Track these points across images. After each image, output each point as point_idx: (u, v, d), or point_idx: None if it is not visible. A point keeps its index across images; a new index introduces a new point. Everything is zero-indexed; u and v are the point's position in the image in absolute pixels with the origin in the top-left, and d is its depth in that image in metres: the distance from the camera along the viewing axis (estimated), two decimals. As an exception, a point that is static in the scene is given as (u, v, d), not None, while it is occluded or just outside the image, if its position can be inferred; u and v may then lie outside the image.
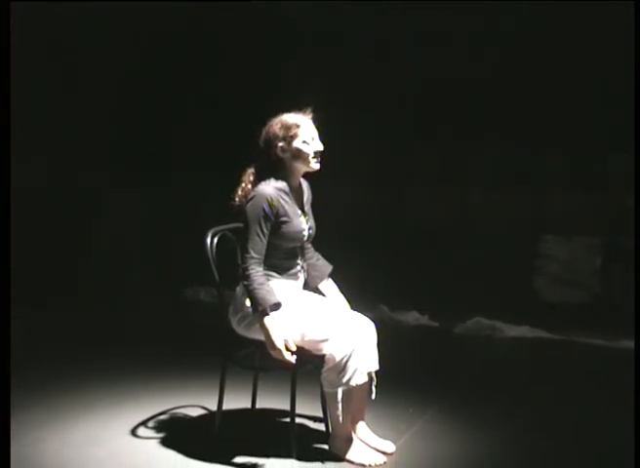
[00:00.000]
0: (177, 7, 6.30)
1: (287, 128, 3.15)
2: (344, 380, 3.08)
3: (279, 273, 3.20)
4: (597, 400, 4.04)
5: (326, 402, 3.24)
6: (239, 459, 3.17)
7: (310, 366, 3.18)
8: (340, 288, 3.45)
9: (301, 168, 3.20)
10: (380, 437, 3.34)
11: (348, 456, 3.18)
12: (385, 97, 5.99)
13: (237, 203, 3.20)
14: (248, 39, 6.35)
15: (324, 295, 3.39)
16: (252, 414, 3.65)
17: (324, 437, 3.29)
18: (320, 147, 3.18)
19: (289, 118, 3.18)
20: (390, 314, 5.56)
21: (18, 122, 5.69)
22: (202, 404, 3.77)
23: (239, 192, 3.21)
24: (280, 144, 3.15)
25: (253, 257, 3.08)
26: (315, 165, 3.18)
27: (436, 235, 5.93)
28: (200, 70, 6.44)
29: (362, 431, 3.32)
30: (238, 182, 3.23)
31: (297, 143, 3.15)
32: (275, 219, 3.11)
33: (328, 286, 3.43)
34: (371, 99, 6.01)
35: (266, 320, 3.03)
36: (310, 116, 3.22)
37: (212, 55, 6.42)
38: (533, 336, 5.25)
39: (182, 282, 6.13)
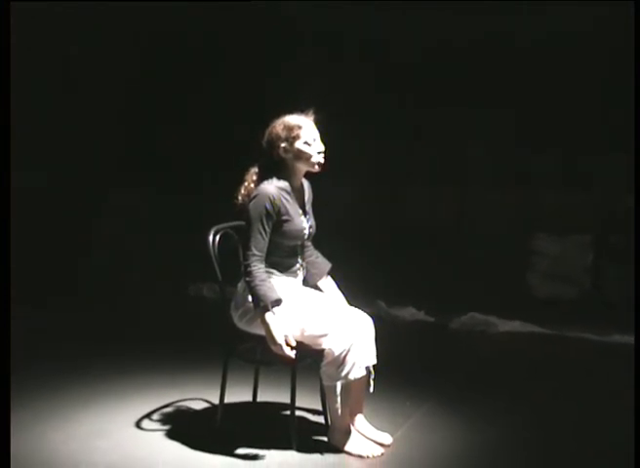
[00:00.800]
0: (177, 7, 6.26)
1: (289, 129, 3.14)
2: (343, 374, 3.07)
3: (280, 270, 3.19)
4: (589, 393, 4.04)
5: (325, 395, 3.23)
6: (241, 451, 3.17)
7: (310, 360, 3.17)
8: (338, 285, 3.44)
9: (303, 168, 3.20)
10: (378, 429, 3.33)
11: (347, 448, 3.17)
12: (384, 97, 5.97)
13: (240, 201, 3.20)
14: (248, 39, 6.32)
15: (323, 292, 3.38)
16: (253, 407, 3.64)
17: (323, 429, 3.29)
18: (321, 147, 3.18)
19: (291, 119, 3.17)
20: (388, 310, 5.56)
21: (19, 122, 5.70)
22: (204, 397, 3.77)
23: (242, 191, 3.21)
24: (282, 145, 3.14)
25: (255, 255, 3.07)
26: (317, 166, 3.17)
27: (433, 233, 5.93)
28: (200, 70, 6.41)
29: (360, 423, 3.31)
30: (241, 181, 3.22)
31: (298, 144, 3.14)
32: (277, 218, 3.10)
33: (327, 283, 3.43)
34: (370, 100, 5.99)
35: (267, 315, 3.01)
36: (312, 117, 3.21)
37: (212, 55, 6.40)
38: (526, 331, 5.24)
39: (186, 279, 6.11)
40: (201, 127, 6.41)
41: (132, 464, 3.08)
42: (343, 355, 3.06)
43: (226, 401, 3.36)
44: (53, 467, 3.05)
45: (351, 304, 3.34)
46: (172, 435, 3.35)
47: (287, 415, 3.30)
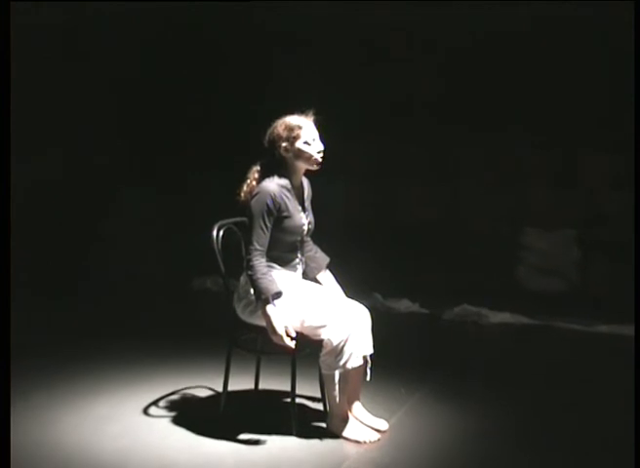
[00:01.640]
0: (187, 7, 6.21)
1: (290, 129, 3.15)
2: (341, 363, 3.08)
3: (280, 265, 3.20)
4: (576, 380, 4.04)
5: (324, 383, 3.24)
6: (243, 436, 3.18)
7: (309, 350, 3.17)
8: (337, 278, 3.44)
9: (303, 166, 3.21)
10: (375, 416, 3.34)
11: (345, 434, 3.18)
12: (383, 98, 5.95)
13: (242, 198, 3.20)
14: (250, 40, 6.30)
15: (322, 285, 3.38)
16: (255, 395, 3.65)
17: (322, 416, 3.29)
18: (321, 147, 3.18)
19: (292, 120, 3.18)
20: (384, 302, 5.56)
21: (36, 117, 5.69)
22: (209, 385, 3.77)
23: (244, 188, 3.21)
24: (283, 144, 3.14)
25: (257, 249, 3.07)
26: (315, 165, 3.18)
27: (427, 229, 5.92)
28: (206, 71, 6.37)
29: (357, 410, 3.32)
30: (243, 179, 3.23)
31: (299, 144, 3.14)
32: (277, 214, 3.11)
33: (325, 276, 3.43)
34: (369, 100, 5.97)
35: (269, 307, 3.02)
36: (312, 118, 3.21)
37: (217, 55, 6.35)
38: (515, 322, 5.25)
39: (190, 272, 6.11)
40: (207, 127, 6.38)
41: (140, 449, 3.08)
42: (341, 345, 3.06)
43: (229, 389, 3.37)
44: (65, 451, 3.05)
45: (349, 297, 3.34)
46: (178, 421, 3.35)
47: (287, 403, 3.30)
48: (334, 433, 3.19)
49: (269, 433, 3.18)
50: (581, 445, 3.20)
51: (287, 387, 3.26)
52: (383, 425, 3.29)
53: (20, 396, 3.57)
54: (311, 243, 3.41)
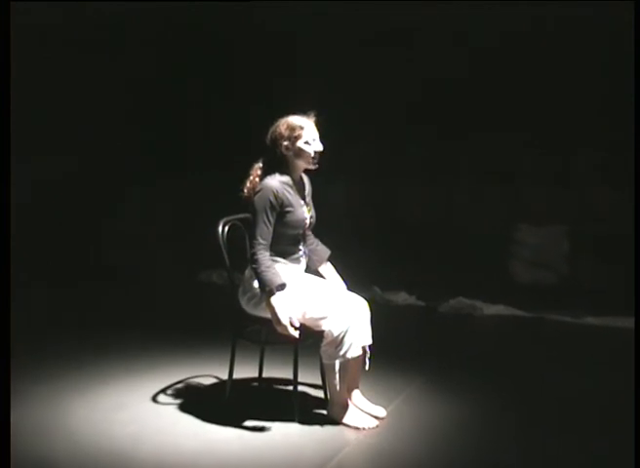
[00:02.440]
0: (187, 7, 6.15)
1: (292, 129, 3.14)
2: (341, 353, 3.08)
3: (284, 257, 3.19)
4: (567, 369, 4.04)
5: (325, 372, 3.24)
6: (247, 423, 3.18)
7: (311, 340, 3.17)
8: (337, 271, 3.44)
9: (302, 165, 3.21)
10: (373, 403, 3.34)
11: (345, 420, 3.18)
12: (381, 99, 5.93)
13: (246, 194, 3.20)
14: (248, 40, 6.26)
15: (323, 278, 3.38)
16: (259, 383, 3.65)
17: (323, 403, 3.30)
18: (320, 148, 3.18)
19: (294, 120, 3.17)
20: (382, 294, 5.55)
21: (47, 118, 5.67)
22: (214, 374, 3.77)
23: (247, 184, 3.21)
24: (285, 143, 3.14)
25: (260, 243, 3.07)
26: (313, 164, 3.18)
27: (424, 225, 5.91)
28: (214, 72, 6.35)
29: (357, 398, 3.32)
30: (246, 176, 3.22)
31: (299, 143, 3.14)
32: (280, 209, 3.11)
33: (327, 269, 3.43)
34: (368, 102, 5.95)
35: (273, 299, 3.02)
36: (313, 119, 3.20)
37: (224, 56, 6.33)
38: (508, 314, 5.24)
39: (197, 266, 6.11)
40: (213, 127, 6.37)
41: (149, 435, 3.08)
42: (342, 336, 3.06)
43: (234, 377, 3.37)
44: (77, 437, 3.06)
45: (349, 289, 3.34)
46: (185, 408, 3.36)
47: (290, 391, 3.29)
48: (334, 420, 3.19)
49: (273, 419, 3.19)
50: (573, 431, 3.20)
51: (289, 376, 3.26)
52: (382, 412, 3.29)
53: (32, 386, 3.59)
54: (313, 236, 3.41)
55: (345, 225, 5.84)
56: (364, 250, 5.59)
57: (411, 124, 5.87)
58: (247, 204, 3.17)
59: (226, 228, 3.30)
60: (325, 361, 3.15)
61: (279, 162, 3.17)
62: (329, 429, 3.14)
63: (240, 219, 3.37)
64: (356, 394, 3.32)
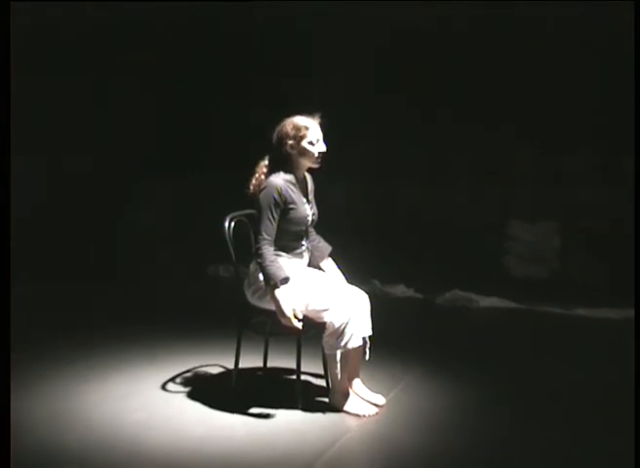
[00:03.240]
0: (187, 7, 6.08)
1: (297, 129, 3.13)
2: (342, 344, 3.08)
3: (287, 253, 3.19)
4: (558, 358, 4.04)
5: (326, 362, 3.24)
6: (253, 410, 3.18)
7: (313, 331, 3.16)
8: (338, 266, 3.43)
9: (306, 164, 3.20)
10: (373, 392, 3.33)
11: (346, 408, 3.18)
12: (382, 99, 5.90)
13: (251, 191, 3.19)
14: (249, 40, 6.22)
15: (325, 272, 3.37)
16: (263, 373, 3.64)
17: (325, 392, 3.29)
18: (323, 148, 3.17)
19: (299, 120, 3.16)
20: (381, 287, 5.54)
21: (51, 119, 5.63)
22: (221, 363, 3.77)
23: (253, 182, 3.20)
24: (290, 143, 3.13)
25: (265, 239, 3.06)
26: (317, 164, 3.18)
27: (421, 221, 5.90)
28: (223, 72, 6.31)
29: (357, 387, 3.31)
30: (252, 173, 3.22)
31: (304, 143, 3.13)
32: (284, 206, 3.10)
33: (328, 264, 3.42)
34: (369, 102, 5.93)
35: (277, 292, 3.01)
36: (318, 120, 3.20)
37: (232, 58, 6.29)
38: (502, 306, 5.24)
39: (205, 260, 6.10)
40: (220, 128, 6.35)
41: (158, 421, 3.09)
42: (343, 327, 3.06)
43: (240, 367, 3.37)
44: (89, 424, 3.06)
45: (349, 283, 3.33)
46: (193, 396, 3.36)
47: (293, 380, 3.30)
48: (336, 407, 3.19)
49: (277, 407, 3.19)
50: (567, 418, 3.19)
51: (293, 366, 3.26)
52: (381, 400, 3.29)
53: (45, 374, 3.60)
54: (315, 233, 3.40)
55: (346, 222, 5.83)
56: (364, 245, 5.58)
57: (410, 124, 5.84)
58: (252, 200, 3.16)
59: (232, 224, 3.29)
60: (327, 351, 3.15)
61: (284, 160, 3.16)
62: (330, 416, 3.14)
63: (246, 215, 3.36)
64: (357, 383, 3.32)
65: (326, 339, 3.11)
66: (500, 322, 4.94)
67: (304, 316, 3.10)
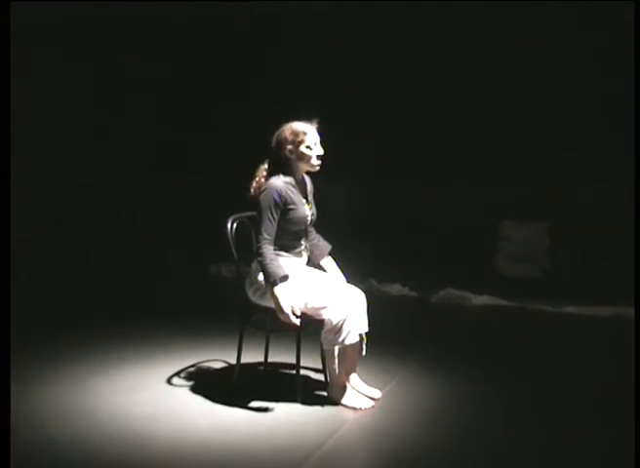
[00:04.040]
0: (187, 7, 6.03)
1: (295, 134, 3.15)
2: (340, 340, 3.09)
3: (287, 252, 3.20)
4: (547, 354, 4.06)
5: (325, 357, 3.25)
6: (254, 403, 3.19)
7: (312, 328, 3.17)
8: (337, 264, 3.44)
9: (304, 167, 3.21)
10: (369, 386, 3.35)
11: (343, 401, 3.20)
12: (382, 100, 5.91)
13: (252, 193, 3.20)
14: (249, 41, 6.20)
15: (324, 270, 3.39)
16: (264, 367, 3.66)
17: (323, 386, 3.31)
18: (321, 152, 3.19)
19: (298, 126, 3.18)
20: (378, 286, 5.55)
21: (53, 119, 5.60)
22: (224, 359, 3.78)
23: (254, 184, 3.22)
24: (289, 147, 3.15)
25: (265, 238, 3.08)
26: (316, 167, 3.19)
27: (416, 221, 5.91)
28: (211, 75, 6.29)
29: (354, 381, 3.33)
30: (252, 176, 3.23)
31: (302, 148, 3.15)
32: (284, 207, 3.11)
33: (327, 262, 3.43)
34: (369, 103, 5.93)
35: (276, 289, 3.03)
36: (315, 125, 3.21)
37: (234, 61, 6.29)
38: (494, 304, 5.24)
39: (207, 260, 6.11)
40: (220, 128, 6.34)
41: (163, 414, 3.10)
42: (340, 324, 3.07)
43: (242, 362, 3.38)
44: (98, 416, 3.07)
45: (347, 281, 3.35)
46: (196, 390, 3.37)
47: (293, 374, 3.30)
48: (333, 400, 3.20)
49: (277, 400, 3.20)
50: (559, 412, 3.21)
51: (293, 361, 3.26)
52: (377, 394, 3.31)
53: (54, 369, 3.61)
54: (314, 232, 3.41)
55: (344, 223, 5.83)
56: (362, 245, 5.59)
57: (410, 124, 5.84)
58: (253, 202, 3.17)
59: (235, 225, 3.31)
60: (325, 347, 3.16)
61: (283, 164, 3.18)
62: (329, 409, 3.16)
63: (247, 217, 3.38)
64: (354, 377, 3.33)
65: (324, 336, 3.13)
66: (493, 319, 4.94)
67: (303, 313, 3.11)
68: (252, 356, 3.64)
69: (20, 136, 4.31)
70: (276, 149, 3.18)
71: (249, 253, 3.26)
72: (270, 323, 3.26)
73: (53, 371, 3.57)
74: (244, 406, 3.17)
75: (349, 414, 3.13)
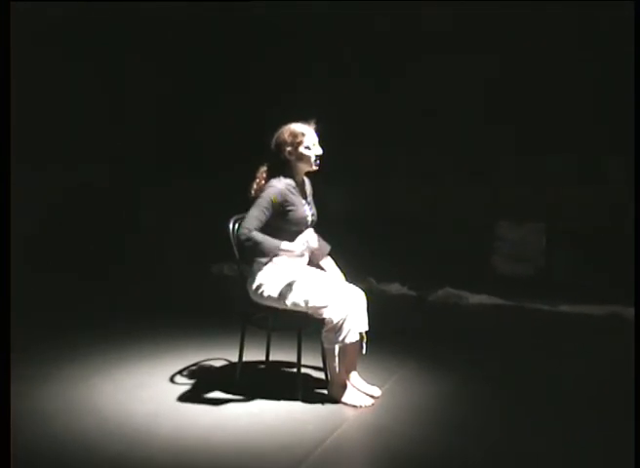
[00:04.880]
0: (188, 6, 6.00)
1: (294, 135, 3.14)
2: (340, 339, 3.08)
3: (288, 252, 3.18)
4: (543, 351, 4.06)
5: (325, 356, 3.24)
6: (255, 401, 3.18)
7: (313, 327, 3.16)
8: (336, 263, 3.43)
9: (304, 168, 3.21)
10: (369, 384, 3.33)
11: (343, 399, 3.18)
12: (381, 101, 5.89)
13: (253, 195, 3.18)
14: (249, 41, 6.19)
15: (324, 270, 3.37)
16: (266, 366, 3.65)
17: (324, 384, 3.29)
18: (320, 151, 3.17)
19: (296, 127, 3.17)
20: (377, 285, 5.55)
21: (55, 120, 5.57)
22: (226, 357, 3.77)
23: (254, 186, 3.20)
24: (288, 149, 3.14)
25: (252, 224, 3.02)
26: (315, 166, 3.18)
27: (415, 222, 5.90)
28: (212, 76, 6.28)
29: (354, 379, 3.31)
30: (253, 178, 3.22)
31: (301, 149, 3.14)
32: (284, 208, 3.10)
33: (327, 262, 3.41)
34: (365, 108, 5.92)
35: (283, 249, 3.02)
36: (313, 126, 3.20)
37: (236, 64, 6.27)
38: (491, 303, 5.24)
39: (209, 259, 6.10)
40: (220, 128, 6.33)
41: (167, 411, 3.09)
42: (341, 323, 3.06)
43: (244, 360, 3.37)
44: (102, 414, 3.06)
45: (347, 280, 3.33)
46: (199, 388, 3.36)
47: (294, 372, 3.30)
48: (334, 398, 3.19)
49: (278, 398, 3.19)
50: (555, 408, 3.20)
51: (293, 359, 3.26)
52: (377, 392, 3.29)
53: (57, 368, 3.59)
54: (314, 232, 3.39)
55: (344, 222, 5.83)
56: (361, 245, 5.58)
57: (410, 124, 5.82)
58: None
59: (237, 225, 3.29)
60: (326, 345, 3.15)
61: (282, 165, 3.17)
62: (329, 407, 3.14)
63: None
64: (354, 375, 3.32)
65: (325, 334, 3.12)
66: (490, 318, 4.94)
67: (304, 313, 3.10)
68: (253, 354, 3.63)
69: (20, 137, 4.29)
70: (275, 151, 3.17)
71: (250, 252, 3.24)
72: (272, 321, 3.25)
73: (56, 370, 3.55)
74: (245, 403, 3.16)
75: (349, 412, 3.11)
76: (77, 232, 5.75)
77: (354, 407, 3.15)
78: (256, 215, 3.04)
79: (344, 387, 3.20)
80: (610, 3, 5.00)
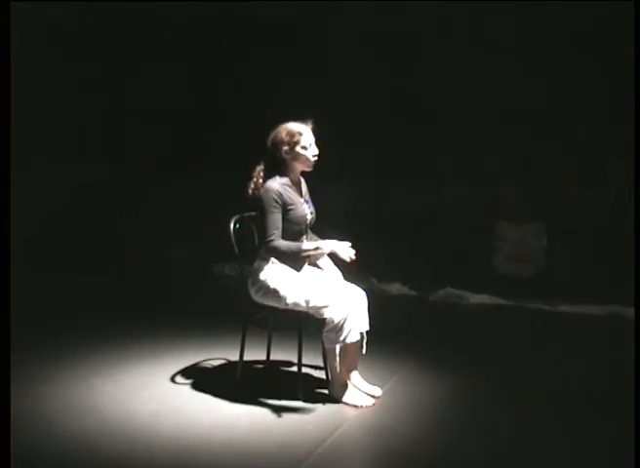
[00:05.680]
0: (187, 7, 5.99)
1: (291, 135, 3.14)
2: (341, 338, 3.08)
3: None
4: (543, 350, 4.06)
5: (326, 356, 3.24)
6: (256, 401, 3.18)
7: (314, 327, 3.16)
8: (335, 263, 3.42)
9: (300, 167, 3.21)
10: (370, 384, 3.33)
11: (344, 399, 3.18)
12: (381, 103, 5.88)
13: (250, 194, 3.18)
14: (249, 42, 6.17)
15: (322, 269, 3.37)
16: (266, 365, 3.64)
17: (324, 383, 3.30)
18: (316, 151, 3.18)
19: (293, 127, 3.16)
20: (378, 285, 5.54)
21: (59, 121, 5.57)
22: (226, 357, 3.77)
23: (251, 185, 3.20)
24: (284, 148, 3.14)
25: (273, 233, 3.06)
26: (311, 167, 3.19)
27: (416, 222, 5.89)
28: (225, 80, 6.29)
29: (355, 379, 3.31)
30: (249, 177, 3.21)
31: (298, 148, 3.14)
32: (283, 208, 3.10)
33: (325, 261, 3.40)
34: (365, 110, 5.91)
35: (323, 246, 3.08)
36: (310, 126, 3.20)
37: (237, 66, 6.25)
38: (491, 303, 5.24)
39: (210, 259, 6.09)
40: (220, 128, 6.32)
41: (168, 411, 3.09)
42: (342, 323, 3.06)
43: (245, 360, 3.37)
44: (103, 414, 3.06)
45: (347, 280, 3.33)
46: (200, 387, 3.36)
47: (294, 372, 3.30)
48: (335, 398, 3.19)
49: (279, 398, 3.19)
50: (555, 407, 3.20)
51: (294, 359, 3.26)
52: (378, 392, 3.29)
53: (57, 368, 3.59)
54: (311, 233, 3.39)
55: (345, 222, 5.80)
56: (361, 245, 5.56)
57: (410, 124, 5.82)
58: (252, 202, 3.16)
59: (237, 225, 3.29)
60: (326, 345, 3.15)
61: (279, 164, 3.16)
62: (330, 407, 3.14)
63: (249, 217, 3.36)
64: (354, 375, 3.32)
65: (326, 334, 3.11)
66: (490, 318, 4.94)
67: (305, 312, 3.10)
68: (254, 354, 3.63)
69: (20, 137, 4.28)
70: (272, 150, 3.16)
71: (251, 252, 3.24)
72: (272, 321, 3.25)
73: (56, 370, 3.55)
74: (246, 403, 3.16)
75: (350, 412, 3.11)
76: (77, 232, 5.74)
77: (355, 406, 3.15)
78: (270, 224, 3.06)
79: (345, 387, 3.20)
80: (610, 3, 5.00)
